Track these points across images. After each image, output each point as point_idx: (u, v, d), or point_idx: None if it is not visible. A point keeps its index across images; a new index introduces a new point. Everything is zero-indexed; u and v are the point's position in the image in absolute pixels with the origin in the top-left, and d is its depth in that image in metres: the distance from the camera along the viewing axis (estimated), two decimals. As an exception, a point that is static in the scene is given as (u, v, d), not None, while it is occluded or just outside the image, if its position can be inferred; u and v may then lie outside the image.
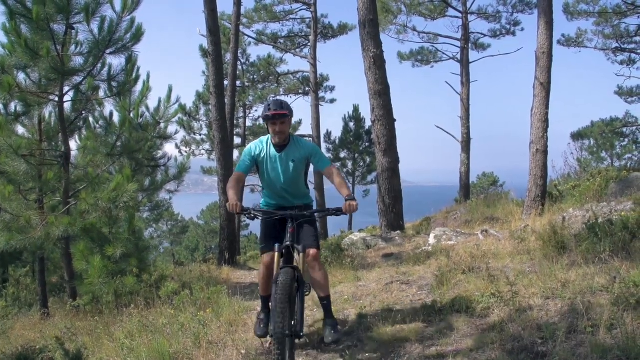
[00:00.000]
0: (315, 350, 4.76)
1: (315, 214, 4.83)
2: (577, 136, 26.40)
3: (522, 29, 25.63)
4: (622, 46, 23.72)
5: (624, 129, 26.18)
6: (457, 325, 4.76)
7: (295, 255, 4.59)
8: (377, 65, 11.26)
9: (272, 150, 4.85)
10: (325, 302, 4.81)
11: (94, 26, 7.63)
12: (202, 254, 32.40)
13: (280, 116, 4.61)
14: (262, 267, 4.83)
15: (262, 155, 4.87)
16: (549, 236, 6.36)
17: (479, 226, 10.97)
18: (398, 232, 11.56)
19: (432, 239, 9.29)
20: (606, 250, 5.31)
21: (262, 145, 4.93)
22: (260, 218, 4.70)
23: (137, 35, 8.14)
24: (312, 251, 4.65)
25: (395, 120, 11.85)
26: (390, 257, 9.04)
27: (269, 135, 4.88)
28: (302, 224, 4.70)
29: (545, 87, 10.76)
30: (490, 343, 4.12)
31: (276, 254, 4.52)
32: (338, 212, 4.47)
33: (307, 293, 4.83)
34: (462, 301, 5.24)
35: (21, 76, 7.94)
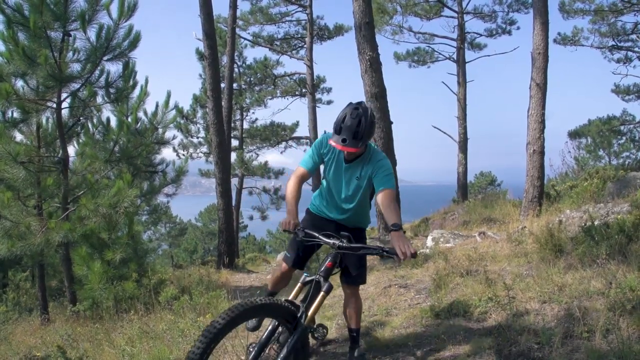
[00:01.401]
0: (312, 356, 4.79)
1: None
2: (575, 134, 26.40)
3: (518, 28, 25.59)
4: (619, 44, 23.74)
5: (622, 127, 26.19)
6: (454, 330, 4.80)
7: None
8: (373, 68, 11.28)
9: (341, 156, 3.99)
10: (355, 334, 4.39)
11: (91, 33, 7.67)
12: (200, 256, 32.42)
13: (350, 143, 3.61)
14: (277, 269, 4.47)
15: (330, 156, 4.03)
16: (546, 239, 6.41)
17: (476, 227, 11.03)
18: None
19: (429, 241, 9.33)
20: (602, 254, 5.35)
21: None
22: (300, 239, 3.64)
23: (134, 42, 8.18)
24: (358, 291, 4.33)
25: (392, 122, 11.88)
26: (388, 260, 9.06)
27: None
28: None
29: (541, 87, 10.80)
30: (487, 348, 4.16)
31: (287, 268, 4.14)
32: (390, 254, 3.25)
33: (319, 339, 4.29)
34: (459, 305, 5.28)
35: (19, 83, 7.98)
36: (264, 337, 3.32)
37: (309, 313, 3.39)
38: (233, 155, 23.41)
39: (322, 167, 4.20)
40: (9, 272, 15.40)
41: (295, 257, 4.16)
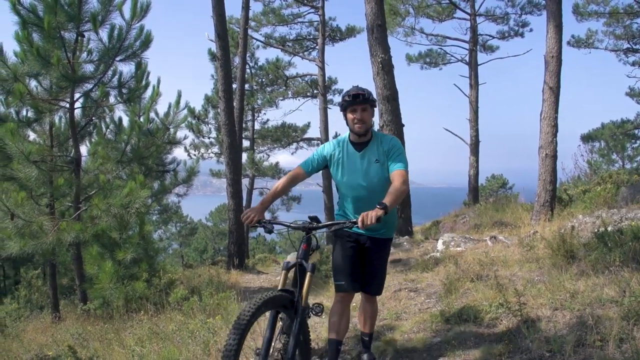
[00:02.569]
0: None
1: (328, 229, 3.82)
2: (587, 138, 26.25)
3: (531, 30, 25.52)
4: (634, 47, 23.56)
5: (636, 131, 25.99)
6: (464, 336, 4.76)
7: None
8: (385, 71, 11.27)
9: (350, 148, 4.08)
10: (367, 339, 4.41)
11: (104, 34, 7.74)
12: (210, 255, 32.52)
13: (361, 99, 3.87)
14: (333, 304, 4.21)
15: (338, 155, 4.10)
16: (558, 244, 6.33)
17: (487, 231, 10.96)
18: (406, 237, 11.56)
19: (440, 245, 9.28)
20: (616, 261, 5.28)
21: (338, 145, 4.15)
22: (275, 232, 3.86)
23: (147, 42, 8.23)
24: (373, 300, 4.30)
25: (403, 125, 11.86)
26: (399, 263, 9.05)
27: (346, 135, 4.12)
28: (376, 254, 4.12)
29: (554, 91, 10.72)
30: (497, 355, 4.13)
31: (283, 272, 3.72)
32: (354, 223, 3.53)
33: (319, 315, 4.00)
34: (470, 311, 5.24)
35: (33, 83, 8.05)
36: (267, 332, 3.33)
37: (303, 294, 3.51)
38: (244, 156, 23.45)
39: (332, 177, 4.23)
40: (20, 270, 15.56)
41: (349, 271, 4.07)
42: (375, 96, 3.99)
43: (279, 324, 3.53)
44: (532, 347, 4.07)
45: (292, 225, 3.76)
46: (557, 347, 3.92)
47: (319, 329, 5.51)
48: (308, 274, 3.56)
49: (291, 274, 3.71)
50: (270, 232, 3.79)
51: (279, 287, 3.55)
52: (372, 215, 3.39)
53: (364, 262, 4.14)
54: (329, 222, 3.72)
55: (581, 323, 4.28)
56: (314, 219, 3.75)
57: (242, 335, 3.05)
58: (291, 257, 3.68)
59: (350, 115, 3.94)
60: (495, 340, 4.50)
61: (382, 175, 3.99)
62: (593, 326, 4.04)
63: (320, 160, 4.14)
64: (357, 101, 3.87)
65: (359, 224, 3.40)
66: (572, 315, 4.56)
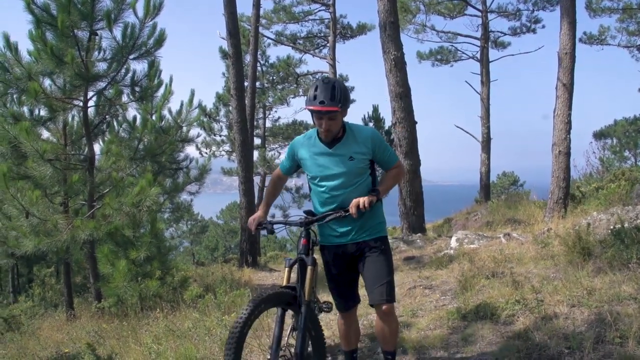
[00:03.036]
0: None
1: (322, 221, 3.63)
2: (600, 135, 26.05)
3: (543, 26, 25.30)
4: (647, 43, 23.33)
5: (648, 128, 25.75)
6: (481, 333, 4.74)
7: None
8: (397, 68, 11.24)
9: (321, 146, 3.66)
10: (390, 357, 3.82)
11: (117, 32, 7.75)
12: (221, 253, 32.57)
13: (326, 113, 3.43)
14: (337, 319, 4.05)
15: (306, 155, 3.73)
16: (574, 241, 6.29)
17: (500, 228, 10.91)
18: (419, 234, 11.54)
19: (454, 242, 9.25)
20: (633, 258, 5.24)
21: (307, 140, 3.77)
22: (276, 231, 3.82)
23: (160, 40, 8.24)
24: (385, 307, 3.59)
25: (416, 122, 11.83)
26: (412, 260, 9.03)
27: (315, 130, 3.72)
28: (368, 257, 3.64)
29: (568, 88, 10.65)
30: (515, 351, 4.10)
31: (287, 269, 3.61)
32: (346, 211, 3.46)
33: (327, 310, 3.98)
34: (486, 308, 5.21)
35: (47, 82, 8.09)
36: (276, 329, 3.34)
37: (306, 290, 3.43)
38: (255, 154, 23.48)
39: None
40: (34, 268, 15.67)
41: (342, 290, 3.82)
42: (345, 95, 3.45)
43: (292, 320, 3.57)
44: (551, 344, 4.05)
45: (288, 221, 3.77)
46: (575, 344, 3.90)
47: (334, 327, 5.50)
48: (309, 268, 3.48)
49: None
50: (271, 232, 3.76)
51: (283, 284, 3.50)
52: (364, 200, 3.38)
53: (356, 274, 3.79)
54: (322, 214, 3.60)
55: (600, 320, 4.25)
56: (309, 212, 3.70)
57: (241, 334, 3.07)
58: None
59: (315, 120, 3.53)
60: (512, 337, 4.48)
61: (359, 177, 3.63)
62: (612, 323, 4.02)
63: (291, 162, 3.88)
64: (321, 113, 3.43)
65: (352, 209, 3.37)
66: (590, 312, 4.53)
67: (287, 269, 3.58)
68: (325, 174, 3.65)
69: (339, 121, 3.52)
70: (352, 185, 3.61)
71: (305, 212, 3.71)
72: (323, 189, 3.69)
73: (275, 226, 3.75)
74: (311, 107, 3.39)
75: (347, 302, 3.82)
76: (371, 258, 3.62)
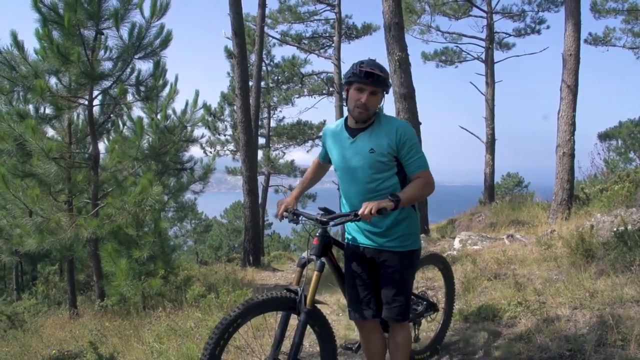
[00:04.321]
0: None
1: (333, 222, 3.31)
2: (605, 136, 25.95)
3: (548, 27, 25.24)
4: (653, 44, 23.26)
5: (653, 129, 25.65)
6: (483, 334, 4.75)
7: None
8: (402, 69, 11.22)
9: (345, 135, 3.36)
10: None
11: (124, 31, 7.77)
12: (225, 253, 32.61)
13: (374, 79, 3.09)
14: (360, 336, 3.67)
15: (332, 144, 3.48)
16: (577, 243, 6.29)
17: (504, 229, 10.90)
18: (422, 235, 11.53)
19: (457, 243, 9.25)
20: (636, 260, 5.24)
21: (335, 128, 3.50)
22: (301, 223, 3.51)
23: (166, 40, 8.26)
24: (399, 327, 3.46)
25: (420, 123, 11.81)
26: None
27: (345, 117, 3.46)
28: (388, 270, 3.35)
29: (572, 89, 10.63)
30: (517, 353, 4.12)
31: (298, 269, 3.39)
32: (357, 215, 3.06)
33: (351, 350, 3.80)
34: (488, 309, 5.22)
35: (52, 80, 8.13)
36: (278, 331, 3.21)
37: (309, 295, 3.18)
38: (260, 153, 23.51)
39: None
40: (37, 266, 15.73)
41: (359, 297, 3.46)
42: (388, 77, 3.18)
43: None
44: (552, 346, 4.05)
45: (310, 216, 3.37)
46: (577, 346, 3.90)
47: (336, 327, 5.50)
48: (315, 273, 3.21)
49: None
50: (295, 222, 3.45)
51: (293, 284, 3.29)
52: (372, 205, 2.95)
53: (373, 281, 3.45)
54: (334, 215, 3.29)
55: (601, 322, 4.25)
56: (325, 210, 3.35)
57: (222, 334, 2.99)
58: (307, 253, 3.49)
59: (353, 94, 3.17)
60: (514, 338, 4.49)
61: (375, 168, 3.24)
62: (614, 326, 4.02)
63: (324, 149, 3.64)
64: (368, 81, 3.09)
65: (360, 213, 3.00)
66: (592, 315, 4.53)
67: (298, 269, 3.35)
68: (343, 166, 3.38)
69: (377, 101, 3.19)
70: (370, 183, 3.27)
71: (320, 208, 3.39)
72: (342, 183, 3.43)
73: (301, 218, 3.47)
74: (356, 70, 3.09)
75: (358, 310, 3.44)
76: (392, 270, 3.34)
